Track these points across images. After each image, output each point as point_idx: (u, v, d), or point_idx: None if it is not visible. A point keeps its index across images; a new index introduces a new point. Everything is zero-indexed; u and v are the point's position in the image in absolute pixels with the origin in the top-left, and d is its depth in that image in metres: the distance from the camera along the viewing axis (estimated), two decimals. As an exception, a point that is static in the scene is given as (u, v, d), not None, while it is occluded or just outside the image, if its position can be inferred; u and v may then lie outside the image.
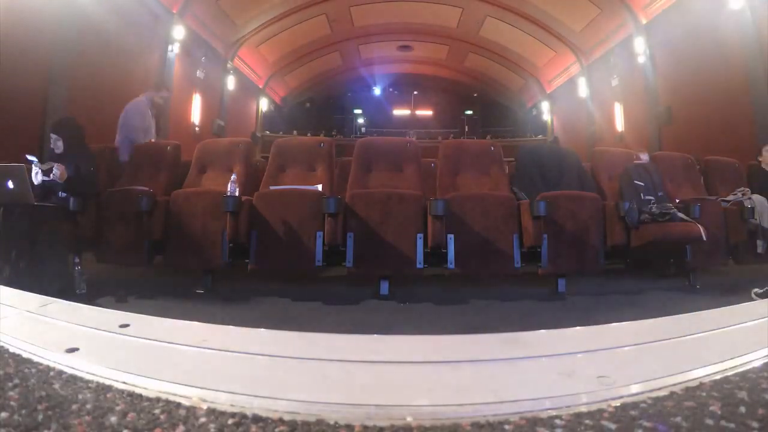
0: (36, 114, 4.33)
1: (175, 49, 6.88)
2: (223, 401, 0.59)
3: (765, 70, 4.73)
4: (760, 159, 3.38)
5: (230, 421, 0.54)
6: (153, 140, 3.74)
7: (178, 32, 6.85)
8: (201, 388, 0.62)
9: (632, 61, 7.03)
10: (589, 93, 8.70)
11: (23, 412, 0.56)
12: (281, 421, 0.55)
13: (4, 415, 0.55)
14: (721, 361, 0.70)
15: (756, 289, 2.22)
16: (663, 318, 0.99)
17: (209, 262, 2.42)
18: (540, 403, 0.58)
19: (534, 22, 8.73)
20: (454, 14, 9.41)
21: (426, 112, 14.67)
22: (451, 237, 2.37)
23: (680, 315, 1.00)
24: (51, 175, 2.40)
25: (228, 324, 1.63)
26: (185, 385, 0.63)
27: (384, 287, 2.33)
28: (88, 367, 0.70)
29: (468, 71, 12.25)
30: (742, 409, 0.56)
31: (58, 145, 2.64)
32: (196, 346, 0.79)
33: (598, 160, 3.22)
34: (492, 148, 3.10)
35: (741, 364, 0.69)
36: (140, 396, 0.61)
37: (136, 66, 6.03)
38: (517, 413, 0.56)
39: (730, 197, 2.99)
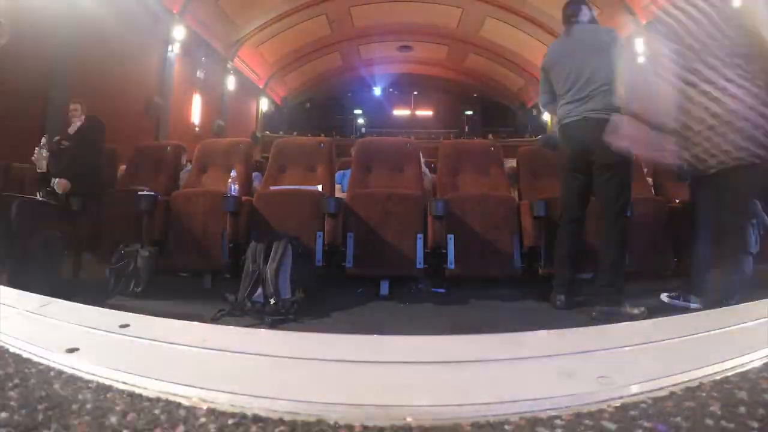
0: (36, 114, 4.33)
1: (175, 50, 6.89)
2: (223, 401, 0.59)
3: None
4: None
5: (230, 421, 0.54)
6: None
7: (178, 32, 6.86)
8: (201, 388, 0.62)
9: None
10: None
11: (23, 412, 0.56)
12: (281, 421, 0.55)
13: (4, 415, 0.55)
14: (721, 361, 0.70)
15: (664, 294, 2.14)
16: (663, 318, 0.99)
17: (209, 263, 2.42)
18: (540, 403, 0.58)
19: (534, 23, 8.74)
20: (454, 14, 9.42)
21: (426, 113, 14.68)
22: (451, 237, 2.37)
23: (680, 315, 1.00)
24: (52, 185, 2.40)
25: (228, 324, 1.63)
26: (185, 385, 0.63)
27: (384, 287, 2.33)
28: (88, 367, 0.70)
29: (468, 71, 12.26)
30: (742, 409, 0.56)
31: (77, 115, 2.63)
32: (196, 346, 0.79)
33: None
34: (492, 148, 3.10)
35: (741, 364, 0.69)
36: (140, 396, 0.61)
37: (136, 66, 6.03)
38: (517, 413, 0.56)
39: None
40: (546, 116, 10.87)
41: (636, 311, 1.87)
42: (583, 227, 2.13)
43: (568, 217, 2.12)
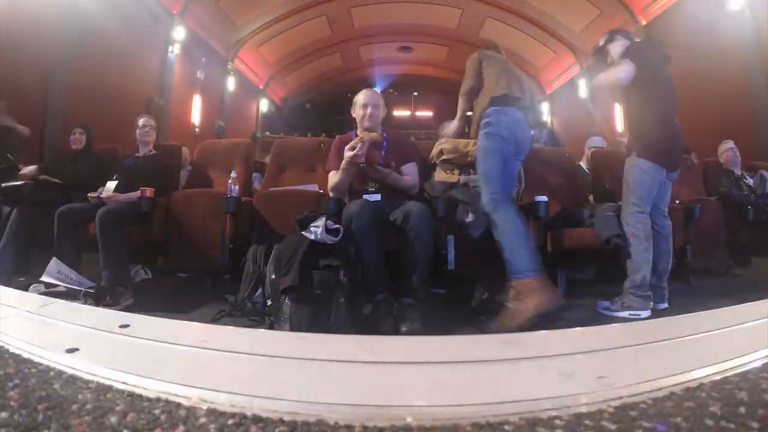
0: (36, 115, 4.33)
1: (175, 50, 6.89)
2: (223, 401, 0.59)
3: (765, 70, 4.74)
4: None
5: (230, 422, 0.54)
6: None
7: (179, 33, 6.86)
8: (201, 388, 0.62)
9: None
10: (589, 94, 8.70)
11: (23, 412, 0.56)
12: (281, 421, 0.55)
13: (4, 415, 0.55)
14: (721, 361, 0.70)
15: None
16: (663, 318, 0.99)
17: (209, 263, 2.41)
18: (540, 403, 0.58)
19: (534, 23, 8.74)
20: (454, 15, 9.42)
21: (426, 113, 14.69)
22: (451, 237, 2.37)
23: (680, 315, 1.00)
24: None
25: (228, 325, 1.63)
26: (185, 385, 0.63)
27: (384, 288, 2.32)
28: (88, 367, 0.70)
29: (468, 72, 12.23)
30: (742, 409, 0.56)
31: (81, 139, 2.98)
32: (196, 346, 0.79)
33: (598, 162, 3.21)
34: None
35: (741, 365, 0.69)
36: (140, 396, 0.61)
37: (136, 67, 6.03)
38: (517, 413, 0.56)
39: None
40: (546, 117, 10.84)
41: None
42: None
43: None
